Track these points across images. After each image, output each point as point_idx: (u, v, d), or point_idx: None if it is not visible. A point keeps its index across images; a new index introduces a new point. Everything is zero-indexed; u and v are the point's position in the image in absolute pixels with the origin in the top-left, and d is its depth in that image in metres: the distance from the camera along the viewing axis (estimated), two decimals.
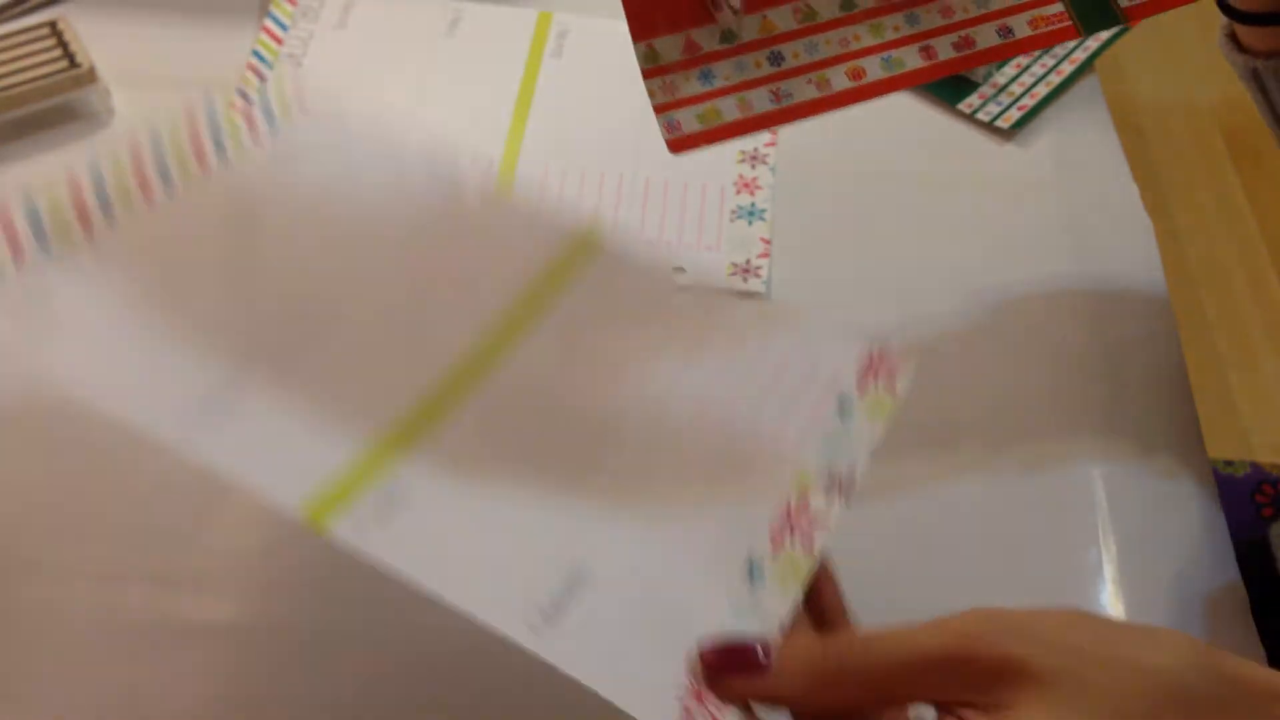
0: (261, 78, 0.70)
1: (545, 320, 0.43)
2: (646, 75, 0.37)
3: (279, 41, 0.72)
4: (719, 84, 0.37)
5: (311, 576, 0.51)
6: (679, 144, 0.37)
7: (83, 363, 0.37)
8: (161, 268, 0.40)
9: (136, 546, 0.51)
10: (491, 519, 0.38)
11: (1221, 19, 0.55)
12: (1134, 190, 0.68)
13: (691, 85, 0.37)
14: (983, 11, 0.39)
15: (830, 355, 0.44)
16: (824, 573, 0.41)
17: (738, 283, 0.61)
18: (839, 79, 0.38)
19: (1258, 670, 0.33)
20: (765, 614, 0.38)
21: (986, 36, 0.39)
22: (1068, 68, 0.74)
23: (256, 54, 0.71)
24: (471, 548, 0.37)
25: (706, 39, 0.37)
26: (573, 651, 0.35)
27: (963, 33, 0.38)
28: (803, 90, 0.38)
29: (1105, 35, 0.76)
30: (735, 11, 0.37)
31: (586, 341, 0.43)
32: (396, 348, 0.41)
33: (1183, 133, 1.85)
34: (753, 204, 0.65)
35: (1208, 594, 0.53)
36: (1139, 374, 0.60)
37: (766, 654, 0.35)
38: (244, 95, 0.43)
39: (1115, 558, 0.53)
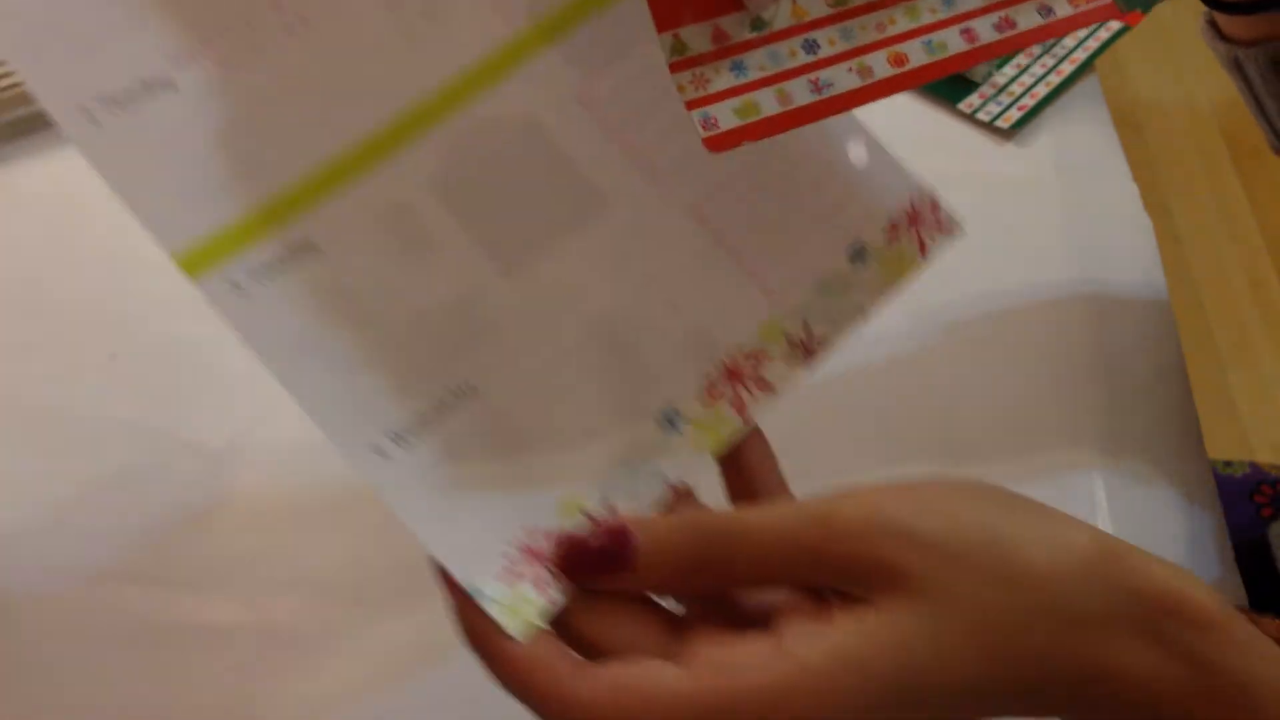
0: None
1: (560, 44, 0.36)
2: (674, 68, 0.35)
3: None
4: (754, 75, 0.35)
5: (312, 577, 0.51)
6: (718, 142, 0.34)
7: None
8: None
9: (136, 546, 0.51)
10: (393, 302, 0.33)
11: (1203, 8, 0.55)
12: (1134, 190, 0.68)
13: (724, 78, 0.35)
14: None
15: (870, 189, 0.38)
16: (755, 439, 0.37)
17: None
18: (881, 66, 0.36)
19: (1159, 580, 0.30)
20: (659, 472, 0.35)
21: (1027, 17, 0.37)
22: (1068, 68, 0.74)
23: None
24: (351, 339, 0.33)
25: (735, 27, 0.35)
26: (413, 484, 0.32)
27: (1002, 13, 0.37)
28: (844, 79, 0.35)
29: (1105, 35, 0.76)
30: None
31: (602, 83, 0.37)
32: (377, 52, 0.34)
33: (1183, 133, 1.85)
34: None
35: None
36: (1139, 374, 0.59)
37: (632, 550, 0.32)
38: None
39: None
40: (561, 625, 0.33)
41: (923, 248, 0.39)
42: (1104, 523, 0.54)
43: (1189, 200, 1.76)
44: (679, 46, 0.35)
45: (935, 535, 0.30)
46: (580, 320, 0.35)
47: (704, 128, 0.35)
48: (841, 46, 0.36)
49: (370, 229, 0.33)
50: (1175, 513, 0.55)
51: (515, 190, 0.35)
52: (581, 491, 0.34)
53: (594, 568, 0.33)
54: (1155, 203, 0.67)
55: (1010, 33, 0.37)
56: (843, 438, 0.56)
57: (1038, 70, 0.73)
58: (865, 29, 0.36)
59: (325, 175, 0.33)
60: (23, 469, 0.54)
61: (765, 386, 0.36)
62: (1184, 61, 1.91)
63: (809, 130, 0.37)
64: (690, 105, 0.35)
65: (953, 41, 0.37)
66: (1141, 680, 0.30)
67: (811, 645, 0.30)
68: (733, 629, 0.32)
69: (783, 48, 0.35)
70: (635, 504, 0.34)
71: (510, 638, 0.31)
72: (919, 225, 0.39)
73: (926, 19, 0.36)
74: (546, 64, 0.36)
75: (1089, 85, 0.74)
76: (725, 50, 0.35)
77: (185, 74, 0.32)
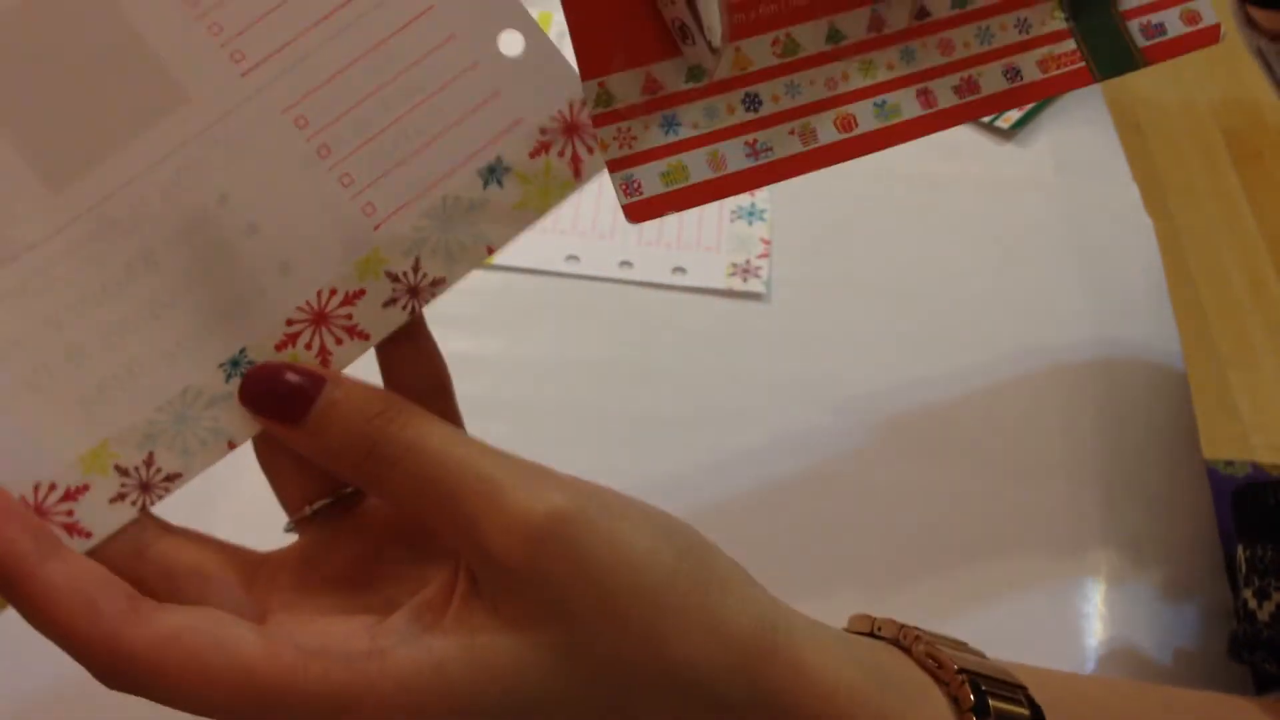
0: None
1: None
2: (598, 121, 0.31)
3: None
4: (686, 133, 0.31)
5: None
6: (638, 211, 0.31)
7: None
8: None
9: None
10: None
11: (1233, 5, 0.55)
12: (1134, 190, 0.68)
13: (653, 134, 0.31)
14: (986, 48, 0.34)
15: (518, 89, 0.31)
16: (417, 336, 0.32)
17: (737, 283, 0.61)
18: (826, 130, 0.32)
19: (806, 677, 0.29)
20: (220, 428, 0.31)
21: (992, 79, 0.34)
22: None
23: None
24: None
25: (670, 76, 0.31)
26: None
27: (965, 74, 0.34)
28: (784, 143, 0.32)
29: None
30: (714, 50, 0.31)
31: None
32: None
33: (1183, 133, 1.85)
34: (753, 204, 0.65)
35: (1198, 598, 0.53)
36: (1138, 374, 0.59)
37: (315, 403, 0.29)
38: None
39: (1112, 560, 0.53)
40: (136, 552, 0.30)
41: (577, 166, 0.32)
42: (1102, 523, 0.54)
43: (1189, 200, 1.76)
44: (605, 97, 0.31)
45: (608, 574, 0.27)
46: (138, 244, 0.30)
47: (625, 192, 0.31)
48: (786, 103, 0.32)
49: None
50: (1172, 515, 0.55)
51: (71, 79, 0.30)
52: (117, 442, 0.30)
53: (274, 401, 0.30)
54: (1155, 203, 0.67)
55: (971, 97, 0.34)
56: (839, 444, 0.56)
57: None
58: (814, 84, 0.32)
59: None
60: None
61: (357, 333, 0.32)
62: (1184, 61, 1.90)
63: (449, 17, 0.31)
64: (613, 167, 0.31)
65: (907, 105, 0.33)
66: None
67: (408, 647, 0.27)
68: (355, 586, 0.29)
69: (721, 103, 0.32)
70: (185, 461, 0.31)
71: (49, 563, 0.27)
72: (576, 136, 0.32)
73: (882, 75, 0.33)
74: None
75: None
76: (657, 102, 0.31)
77: None
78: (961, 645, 0.33)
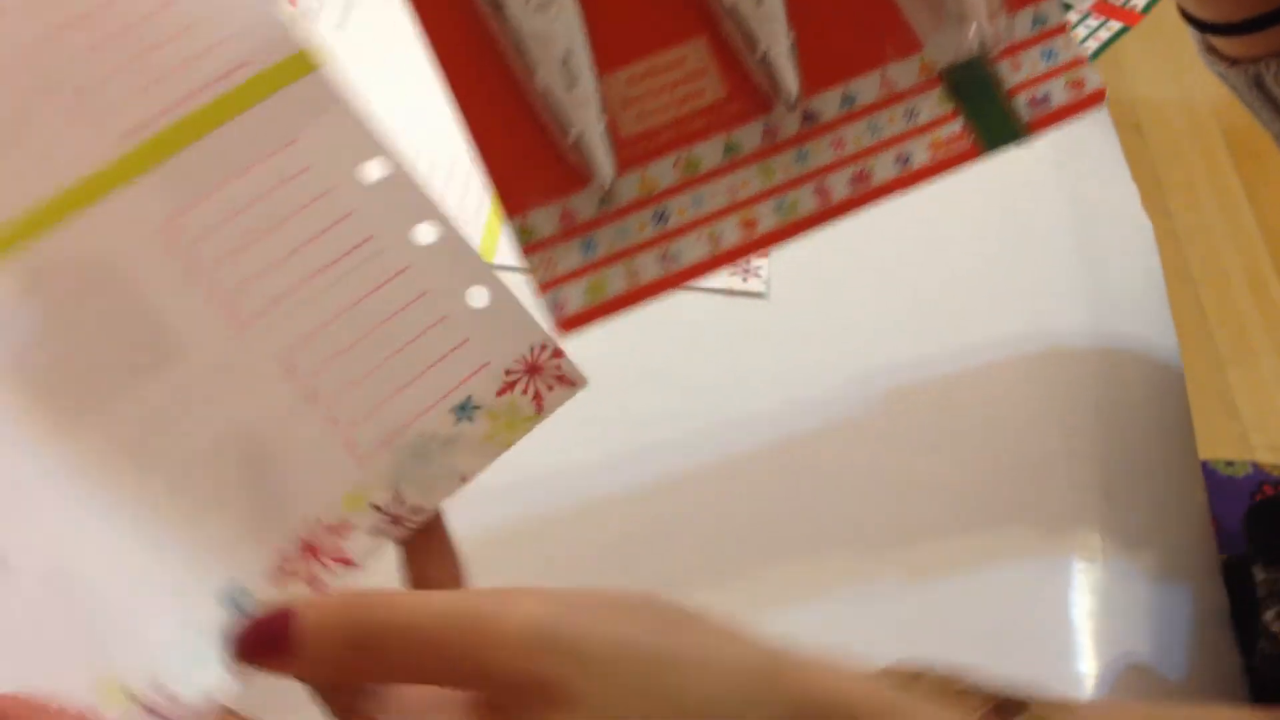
0: None
1: (156, 170, 0.33)
2: (526, 251, 0.34)
3: None
4: (602, 252, 0.34)
5: None
6: (568, 323, 0.34)
7: None
8: None
9: None
10: None
11: (1193, 34, 0.52)
12: (1134, 190, 0.68)
13: (573, 257, 0.34)
14: (877, 139, 0.36)
15: (487, 337, 0.35)
16: (434, 537, 0.35)
17: (738, 282, 0.61)
18: (730, 232, 0.35)
19: (828, 689, 0.30)
20: (216, 656, 0.32)
21: (884, 168, 0.36)
22: None
23: None
24: None
25: (584, 205, 0.34)
26: None
27: (858, 166, 0.36)
28: (693, 249, 0.35)
29: (1105, 35, 0.76)
30: (606, 190, 0.34)
31: (193, 217, 0.33)
32: None
33: (1183, 133, 1.85)
34: None
35: (1193, 598, 0.53)
36: (1136, 375, 0.60)
37: (294, 631, 0.31)
38: None
39: (1106, 553, 0.53)
40: None
41: (539, 402, 0.36)
42: (1100, 525, 0.54)
43: (1189, 200, 1.76)
44: (527, 231, 0.34)
45: (599, 655, 0.29)
46: (131, 485, 0.33)
47: (554, 310, 0.34)
48: (692, 214, 0.35)
49: None
50: (1169, 515, 0.55)
51: (82, 338, 0.33)
52: (124, 672, 0.32)
53: (257, 648, 0.31)
54: (1155, 203, 0.67)
55: (864, 188, 0.36)
56: (840, 441, 0.56)
57: None
58: (716, 194, 0.35)
59: None
60: None
61: (346, 562, 0.34)
62: (1184, 61, 1.91)
63: (423, 276, 0.35)
64: (541, 288, 0.34)
65: (805, 201, 0.35)
66: None
67: None
68: None
69: (632, 221, 0.35)
70: (186, 689, 0.32)
71: None
72: (537, 376, 0.36)
73: (780, 178, 0.35)
74: (136, 194, 0.33)
75: None
76: (575, 229, 0.34)
77: None
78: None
